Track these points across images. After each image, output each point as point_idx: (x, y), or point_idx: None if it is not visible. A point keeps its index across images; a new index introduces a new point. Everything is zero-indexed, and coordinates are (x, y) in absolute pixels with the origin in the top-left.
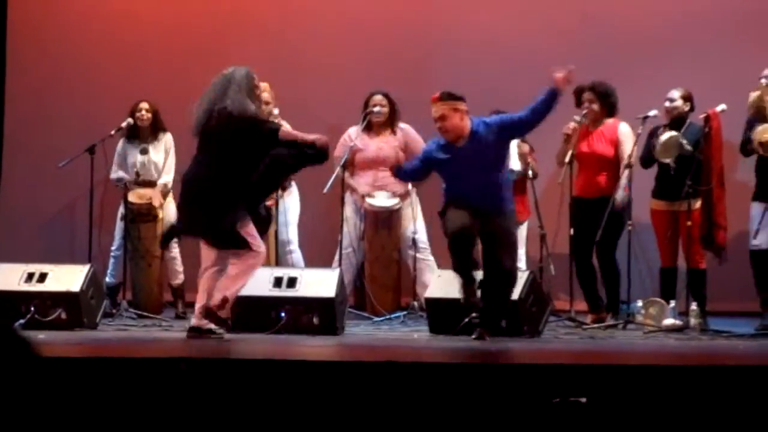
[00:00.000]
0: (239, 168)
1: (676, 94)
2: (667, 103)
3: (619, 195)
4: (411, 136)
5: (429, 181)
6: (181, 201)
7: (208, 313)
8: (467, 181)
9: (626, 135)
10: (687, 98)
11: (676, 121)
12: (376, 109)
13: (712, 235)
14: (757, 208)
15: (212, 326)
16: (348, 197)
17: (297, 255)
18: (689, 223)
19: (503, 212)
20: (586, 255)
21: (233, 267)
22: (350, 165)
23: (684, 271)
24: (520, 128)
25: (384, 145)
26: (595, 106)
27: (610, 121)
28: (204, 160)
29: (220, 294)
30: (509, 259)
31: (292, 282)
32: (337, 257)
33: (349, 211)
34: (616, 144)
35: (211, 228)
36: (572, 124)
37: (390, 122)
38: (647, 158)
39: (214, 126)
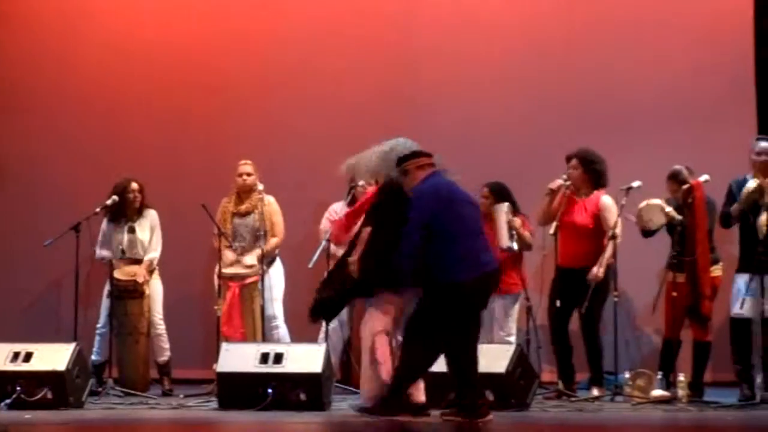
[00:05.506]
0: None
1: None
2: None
3: (595, 269)
4: None
5: None
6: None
7: None
8: None
9: (606, 208)
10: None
11: None
12: (361, 183)
13: (698, 305)
14: (740, 279)
15: None
16: None
17: (283, 330)
18: (674, 293)
19: None
20: (564, 326)
21: None
22: None
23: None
24: None
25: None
26: (578, 172)
27: (595, 192)
28: None
29: None
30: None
31: (278, 358)
32: (323, 332)
33: None
34: (595, 216)
35: None
36: (558, 181)
37: None
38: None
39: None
